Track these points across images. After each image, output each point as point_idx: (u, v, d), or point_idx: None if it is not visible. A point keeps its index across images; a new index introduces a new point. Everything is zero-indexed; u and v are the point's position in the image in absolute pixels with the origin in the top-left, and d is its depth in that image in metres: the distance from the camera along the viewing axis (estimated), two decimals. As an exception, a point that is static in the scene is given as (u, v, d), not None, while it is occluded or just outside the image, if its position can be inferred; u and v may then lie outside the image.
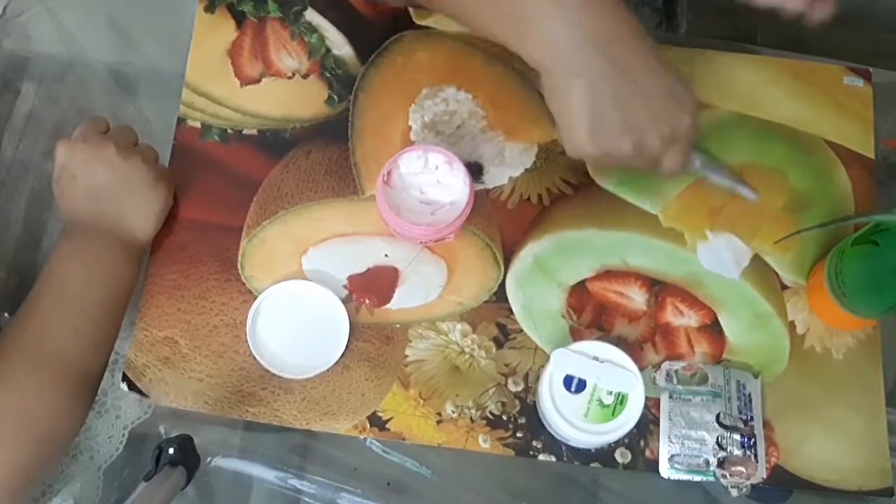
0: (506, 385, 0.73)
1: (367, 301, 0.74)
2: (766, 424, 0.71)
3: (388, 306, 0.74)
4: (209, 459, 0.71)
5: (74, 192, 0.69)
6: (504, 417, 0.72)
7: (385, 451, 0.72)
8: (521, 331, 0.74)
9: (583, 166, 0.78)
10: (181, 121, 0.79)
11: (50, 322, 0.65)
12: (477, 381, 0.73)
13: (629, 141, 0.59)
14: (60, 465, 0.70)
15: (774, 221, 0.77)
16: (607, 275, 0.76)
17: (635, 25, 0.58)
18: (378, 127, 0.79)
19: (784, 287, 0.76)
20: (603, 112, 0.58)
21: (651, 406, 0.72)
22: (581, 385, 0.68)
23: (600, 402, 0.67)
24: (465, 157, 0.76)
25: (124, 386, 0.72)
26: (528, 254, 0.76)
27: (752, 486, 0.68)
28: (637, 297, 0.75)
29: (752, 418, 0.70)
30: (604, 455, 0.71)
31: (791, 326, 0.75)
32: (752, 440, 0.69)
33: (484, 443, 0.72)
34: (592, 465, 0.71)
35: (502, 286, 0.75)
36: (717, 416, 0.69)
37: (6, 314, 0.73)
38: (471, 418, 0.72)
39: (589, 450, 0.71)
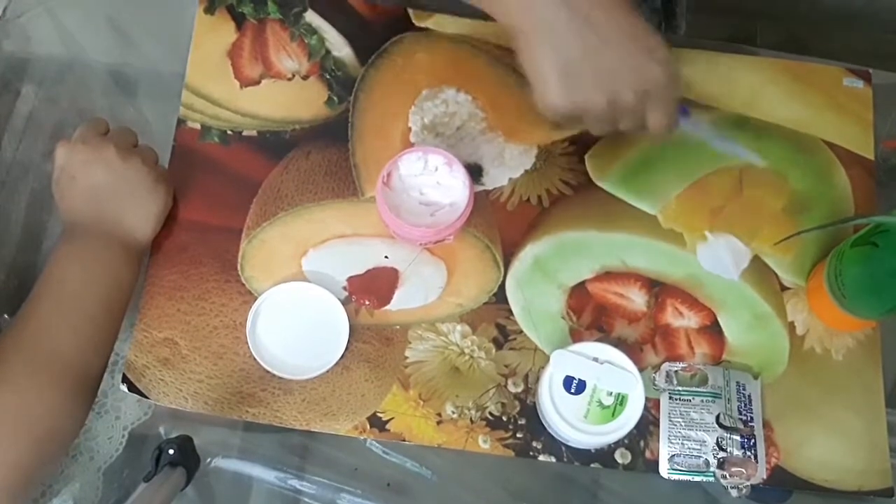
0: (506, 386, 0.73)
1: (366, 302, 0.74)
2: (766, 425, 0.71)
3: (387, 307, 0.74)
4: (209, 460, 0.71)
5: (74, 193, 0.69)
6: (504, 418, 0.72)
7: (385, 451, 0.72)
8: (521, 332, 0.74)
9: (582, 167, 0.78)
10: (181, 122, 0.79)
11: (50, 323, 0.65)
12: (477, 382, 0.73)
13: (601, 94, 0.59)
14: (60, 465, 0.70)
15: (774, 223, 0.77)
16: (607, 276, 0.76)
17: None
18: (378, 128, 0.79)
19: (784, 288, 0.76)
20: (574, 66, 0.58)
21: (651, 407, 0.72)
22: (581, 386, 0.68)
23: (600, 403, 0.67)
24: (464, 159, 0.76)
25: (124, 387, 0.72)
26: (527, 255, 0.76)
27: (752, 486, 0.68)
28: (637, 299, 0.75)
29: (751, 419, 0.70)
30: (604, 456, 0.71)
31: (791, 327, 0.75)
32: (752, 441, 0.69)
33: (484, 443, 0.72)
34: (592, 465, 0.71)
35: (502, 287, 0.75)
36: (717, 417, 0.69)
37: (6, 315, 0.73)
38: (471, 419, 0.72)
39: (589, 450, 0.71)
